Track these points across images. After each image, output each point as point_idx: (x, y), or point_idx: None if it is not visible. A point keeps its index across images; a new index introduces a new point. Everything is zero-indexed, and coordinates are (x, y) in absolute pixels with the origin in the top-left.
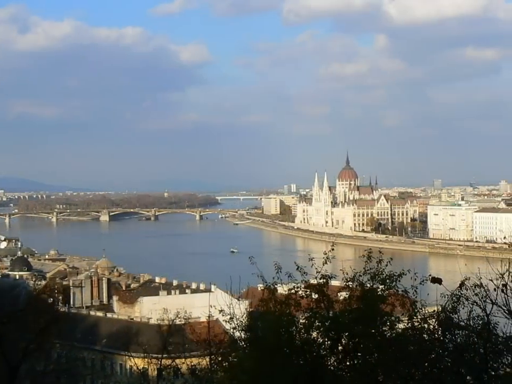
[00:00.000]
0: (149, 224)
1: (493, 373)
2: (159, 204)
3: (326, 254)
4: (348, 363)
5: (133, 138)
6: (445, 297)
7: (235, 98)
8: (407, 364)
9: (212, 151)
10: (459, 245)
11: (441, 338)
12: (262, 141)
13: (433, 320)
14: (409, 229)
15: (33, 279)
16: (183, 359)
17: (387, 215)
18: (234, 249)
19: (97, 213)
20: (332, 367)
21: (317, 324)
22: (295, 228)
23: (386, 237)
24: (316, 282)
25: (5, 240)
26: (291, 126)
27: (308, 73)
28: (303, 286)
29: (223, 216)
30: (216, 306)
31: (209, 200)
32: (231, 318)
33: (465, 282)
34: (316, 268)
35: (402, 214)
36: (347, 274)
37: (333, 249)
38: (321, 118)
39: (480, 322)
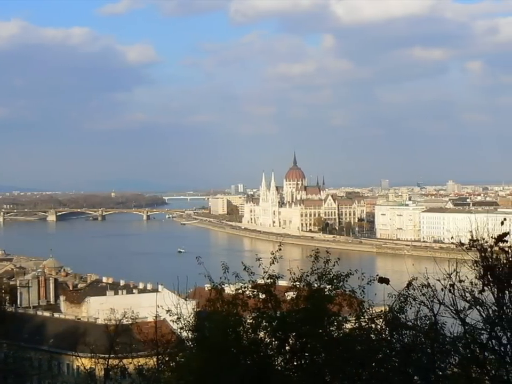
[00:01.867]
0: (96, 224)
1: (440, 373)
2: (106, 204)
3: (273, 254)
4: (295, 363)
5: (80, 138)
6: (392, 297)
7: (182, 98)
8: (354, 363)
9: (159, 151)
10: (406, 245)
11: (389, 338)
12: (209, 141)
13: (381, 320)
14: (356, 229)
15: None
16: (130, 359)
17: (334, 215)
18: (182, 249)
19: (44, 213)
20: (279, 367)
21: (264, 324)
22: (242, 228)
23: (333, 237)
24: (263, 282)
25: None
26: (238, 126)
27: (255, 73)
28: (250, 286)
29: (170, 216)
30: (163, 306)
31: (156, 200)
32: (178, 318)
33: (413, 282)
34: (263, 268)
35: (350, 214)
36: (294, 274)
37: (280, 249)
38: (268, 118)
39: (428, 322)
